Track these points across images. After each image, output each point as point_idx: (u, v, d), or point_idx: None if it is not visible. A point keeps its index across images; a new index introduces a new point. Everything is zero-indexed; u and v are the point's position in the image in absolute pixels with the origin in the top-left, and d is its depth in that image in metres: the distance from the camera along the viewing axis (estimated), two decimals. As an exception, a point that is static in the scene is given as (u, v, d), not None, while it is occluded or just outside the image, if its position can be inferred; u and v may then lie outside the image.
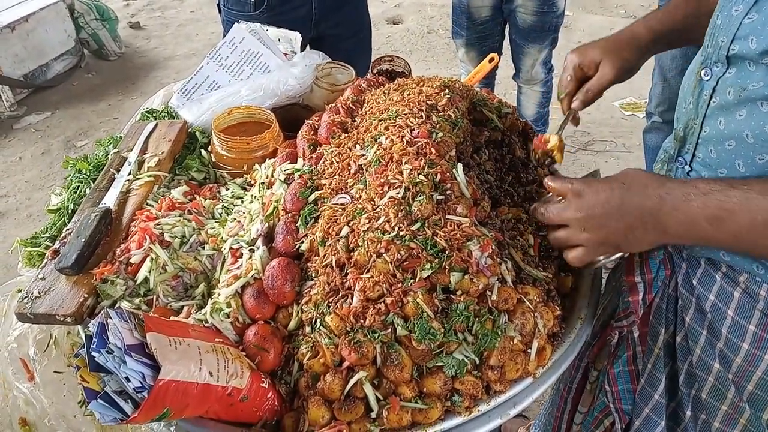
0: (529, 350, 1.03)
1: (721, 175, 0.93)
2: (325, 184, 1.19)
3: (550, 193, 1.05)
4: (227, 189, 1.39)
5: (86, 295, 1.13)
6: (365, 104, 1.40)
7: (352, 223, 1.06)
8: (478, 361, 0.99)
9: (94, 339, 0.86)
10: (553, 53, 3.07)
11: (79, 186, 1.43)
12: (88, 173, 1.46)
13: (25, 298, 1.14)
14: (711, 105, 0.93)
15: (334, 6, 2.26)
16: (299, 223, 1.15)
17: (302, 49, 1.89)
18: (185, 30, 5.39)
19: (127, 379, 0.84)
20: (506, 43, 3.13)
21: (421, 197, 1.04)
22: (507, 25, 3.03)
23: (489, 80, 3.23)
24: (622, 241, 0.94)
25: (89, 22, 4.65)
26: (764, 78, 0.84)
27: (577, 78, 1.24)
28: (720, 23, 0.91)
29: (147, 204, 1.32)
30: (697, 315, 1.02)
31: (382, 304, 0.97)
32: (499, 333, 0.98)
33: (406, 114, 1.20)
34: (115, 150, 1.49)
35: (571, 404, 1.35)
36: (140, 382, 0.84)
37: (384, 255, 1.00)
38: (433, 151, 1.12)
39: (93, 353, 0.85)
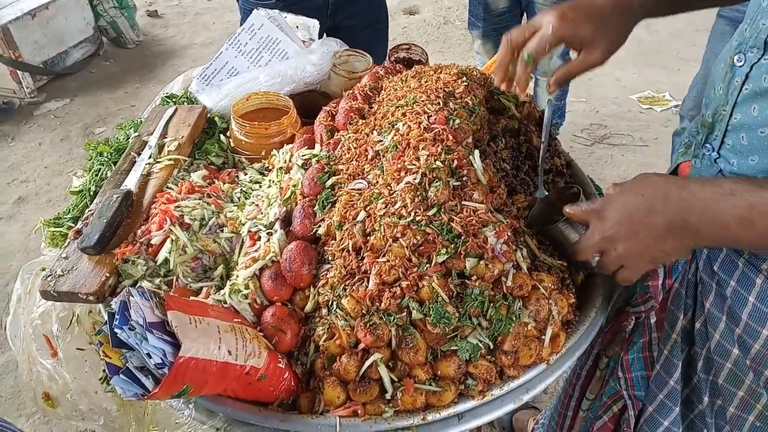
0: (543, 337, 1.03)
1: (752, 163, 0.92)
2: (342, 170, 1.20)
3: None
4: (245, 174, 1.41)
5: (108, 275, 1.15)
6: (382, 91, 1.41)
7: (368, 207, 1.07)
8: (492, 346, 1.00)
9: (117, 316, 0.88)
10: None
11: (100, 169, 1.45)
12: (109, 156, 1.48)
13: (49, 276, 1.16)
14: (743, 92, 0.92)
15: (349, -4, 2.24)
16: (316, 207, 1.16)
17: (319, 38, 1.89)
18: (202, 18, 5.41)
19: (149, 356, 0.85)
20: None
21: (438, 183, 1.05)
22: (524, 17, 3.01)
23: (505, 71, 3.20)
24: (658, 251, 0.93)
25: (108, 10, 4.69)
26: None
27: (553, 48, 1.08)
28: (765, 5, 0.90)
29: (167, 187, 1.34)
30: (717, 300, 1.02)
31: (398, 287, 0.98)
32: (514, 319, 0.99)
33: (423, 101, 1.21)
34: (136, 134, 1.51)
35: (580, 391, 1.35)
36: (161, 358, 0.86)
37: (400, 239, 1.01)
38: (450, 137, 1.12)
39: (116, 330, 0.87)
